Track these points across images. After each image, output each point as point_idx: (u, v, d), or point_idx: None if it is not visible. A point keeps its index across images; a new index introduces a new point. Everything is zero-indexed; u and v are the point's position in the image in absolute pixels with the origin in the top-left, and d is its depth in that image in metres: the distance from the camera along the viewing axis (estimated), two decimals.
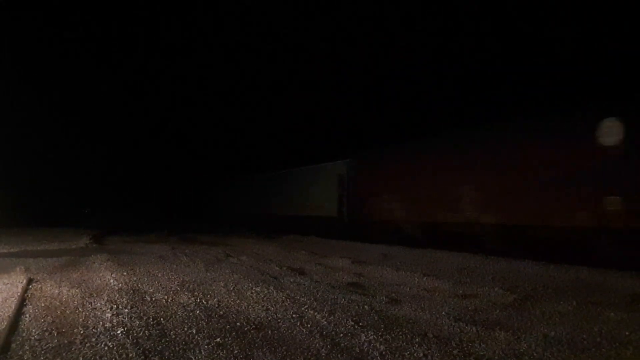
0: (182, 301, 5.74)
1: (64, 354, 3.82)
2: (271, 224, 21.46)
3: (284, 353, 3.88)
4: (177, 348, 3.97)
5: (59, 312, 5.19)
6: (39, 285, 6.73)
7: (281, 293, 6.21)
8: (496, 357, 3.77)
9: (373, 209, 14.86)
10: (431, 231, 12.68)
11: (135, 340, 4.12)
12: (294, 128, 31.31)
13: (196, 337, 4.27)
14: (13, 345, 4.03)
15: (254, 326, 4.63)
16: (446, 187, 12.25)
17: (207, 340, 4.15)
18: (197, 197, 34.46)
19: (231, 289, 6.58)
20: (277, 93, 33.69)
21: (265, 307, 5.43)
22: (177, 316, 5.02)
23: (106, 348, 3.94)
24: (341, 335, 4.35)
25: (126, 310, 5.21)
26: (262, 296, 6.06)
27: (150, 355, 3.78)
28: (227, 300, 5.81)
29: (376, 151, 15.89)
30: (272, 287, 6.60)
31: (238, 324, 4.72)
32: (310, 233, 16.79)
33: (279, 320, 4.85)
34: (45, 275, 7.69)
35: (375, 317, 5.01)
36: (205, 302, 5.68)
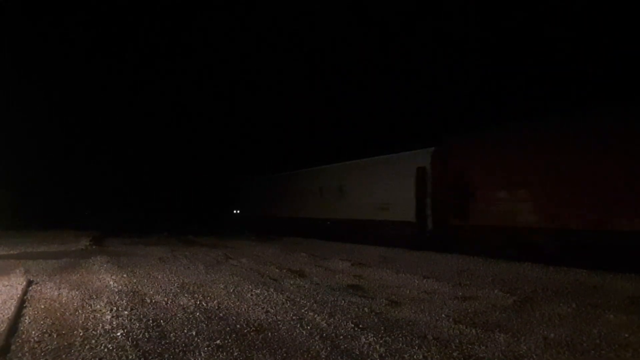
0: (182, 303, 5.75)
1: (63, 356, 3.82)
2: (300, 229, 18.67)
3: (284, 355, 3.88)
4: (176, 350, 3.97)
5: (58, 314, 5.19)
6: (39, 287, 6.73)
7: (281, 295, 6.21)
8: (496, 359, 3.78)
9: (478, 211, 11.23)
10: (596, 244, 8.65)
11: (135, 342, 4.12)
12: (336, 111, 25.48)
13: (196, 339, 4.27)
14: (13, 347, 4.03)
15: (253, 328, 4.64)
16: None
17: (207, 342, 4.15)
18: (202, 198, 34.14)
19: (231, 291, 6.58)
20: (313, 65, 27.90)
21: (265, 309, 5.43)
22: (177, 318, 5.02)
23: (106, 350, 3.94)
24: (341, 337, 4.35)
25: (126, 312, 5.22)
26: (262, 298, 6.06)
27: (150, 357, 3.78)
28: (227, 302, 5.82)
29: (484, 133, 11.80)
30: (272, 289, 6.60)
31: (238, 326, 4.73)
32: (372, 242, 13.94)
33: (278, 323, 4.85)
34: (44, 277, 7.69)
35: (375, 319, 5.01)
36: (205, 304, 5.68)
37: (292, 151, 27.86)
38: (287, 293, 6.39)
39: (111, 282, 7.11)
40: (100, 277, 7.71)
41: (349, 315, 5.15)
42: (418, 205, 12.97)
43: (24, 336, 4.33)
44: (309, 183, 19.01)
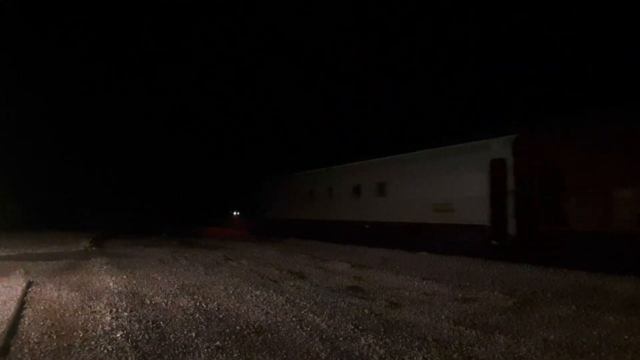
0: (181, 304, 5.74)
1: (63, 357, 3.82)
2: (325, 232, 16.64)
3: (284, 357, 3.88)
4: (176, 351, 3.97)
5: (58, 315, 5.18)
6: (39, 289, 6.72)
7: (281, 297, 6.21)
8: None
9: (582, 214, 9.05)
10: None
11: (134, 344, 4.11)
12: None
13: (196, 340, 4.27)
14: (12, 348, 4.03)
15: (253, 330, 4.63)
16: None
17: (207, 344, 4.15)
18: (203, 200, 33.78)
19: (231, 292, 6.58)
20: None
21: (265, 311, 5.43)
22: (177, 319, 5.02)
23: (105, 351, 3.94)
24: (341, 338, 4.35)
25: (125, 313, 5.21)
26: (262, 300, 6.06)
27: (149, 359, 3.78)
28: (227, 304, 5.81)
29: (592, 116, 9.67)
30: (271, 291, 6.60)
31: (238, 327, 4.72)
32: (425, 249, 11.81)
33: (278, 324, 4.85)
34: (44, 278, 7.68)
35: (375, 321, 5.01)
36: (204, 306, 5.68)
37: (315, 148, 25.47)
38: (286, 294, 6.39)
39: (111, 284, 7.10)
40: (100, 278, 7.71)
41: (348, 317, 5.15)
42: (494, 206, 10.62)
43: (23, 337, 4.33)
44: (339, 182, 17.12)
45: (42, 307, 5.54)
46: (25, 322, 4.88)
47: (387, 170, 14.62)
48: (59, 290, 6.61)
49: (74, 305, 5.63)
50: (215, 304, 5.81)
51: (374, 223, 14.81)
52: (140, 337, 4.33)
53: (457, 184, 11.72)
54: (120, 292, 6.48)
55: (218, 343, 4.18)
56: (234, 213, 29.28)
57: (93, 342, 4.16)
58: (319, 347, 4.08)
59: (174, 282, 7.44)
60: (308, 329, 4.66)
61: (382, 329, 4.66)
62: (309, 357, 3.87)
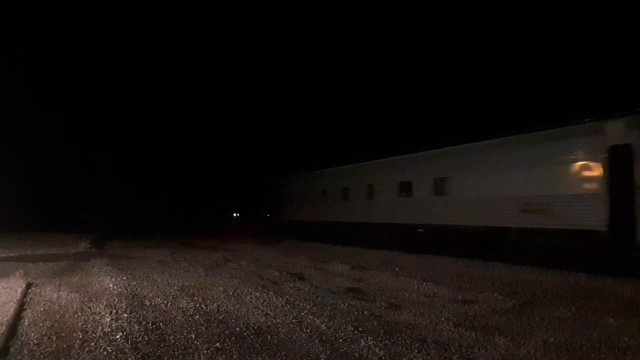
0: (181, 306, 5.74)
1: (62, 359, 3.82)
2: (363, 235, 14.82)
3: (283, 358, 3.87)
4: (176, 353, 3.97)
5: (57, 316, 5.18)
6: (38, 290, 6.72)
7: (281, 298, 6.20)
8: None
9: None
10: None
11: (134, 345, 4.11)
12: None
13: (195, 341, 4.27)
14: (12, 349, 4.02)
15: (253, 331, 4.63)
16: None
17: (207, 345, 4.14)
18: (204, 201, 33.56)
19: (230, 293, 6.58)
20: None
21: (264, 312, 5.42)
22: (177, 321, 5.02)
23: (105, 353, 3.93)
24: (340, 340, 4.35)
25: (125, 314, 5.21)
26: (262, 301, 6.05)
27: None
28: (227, 305, 5.81)
29: None
30: (271, 292, 6.59)
31: (237, 328, 4.72)
32: (506, 259, 9.72)
33: (278, 325, 4.85)
34: (44, 279, 7.68)
35: (375, 323, 5.00)
36: (204, 307, 5.67)
37: (350, 140, 22.46)
38: (286, 296, 6.38)
39: (111, 285, 7.10)
40: (100, 279, 7.70)
41: (348, 319, 5.15)
42: (613, 206, 8.57)
43: (23, 338, 4.33)
44: (382, 178, 14.99)
45: (42, 309, 5.54)
46: (25, 323, 4.88)
47: (449, 163, 12.22)
48: (59, 291, 6.61)
49: (74, 307, 5.63)
50: (215, 305, 5.80)
51: (431, 227, 12.63)
52: (140, 338, 4.33)
53: (554, 178, 9.60)
54: (120, 293, 6.48)
55: (218, 344, 4.18)
56: (234, 214, 29.24)
57: (93, 344, 4.16)
58: (318, 349, 4.08)
59: (174, 283, 7.44)
60: (308, 330, 4.65)
61: (382, 331, 4.65)
62: (309, 358, 3.87)
